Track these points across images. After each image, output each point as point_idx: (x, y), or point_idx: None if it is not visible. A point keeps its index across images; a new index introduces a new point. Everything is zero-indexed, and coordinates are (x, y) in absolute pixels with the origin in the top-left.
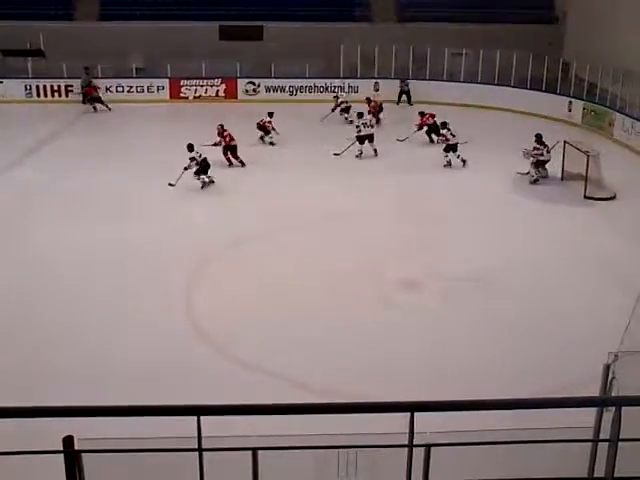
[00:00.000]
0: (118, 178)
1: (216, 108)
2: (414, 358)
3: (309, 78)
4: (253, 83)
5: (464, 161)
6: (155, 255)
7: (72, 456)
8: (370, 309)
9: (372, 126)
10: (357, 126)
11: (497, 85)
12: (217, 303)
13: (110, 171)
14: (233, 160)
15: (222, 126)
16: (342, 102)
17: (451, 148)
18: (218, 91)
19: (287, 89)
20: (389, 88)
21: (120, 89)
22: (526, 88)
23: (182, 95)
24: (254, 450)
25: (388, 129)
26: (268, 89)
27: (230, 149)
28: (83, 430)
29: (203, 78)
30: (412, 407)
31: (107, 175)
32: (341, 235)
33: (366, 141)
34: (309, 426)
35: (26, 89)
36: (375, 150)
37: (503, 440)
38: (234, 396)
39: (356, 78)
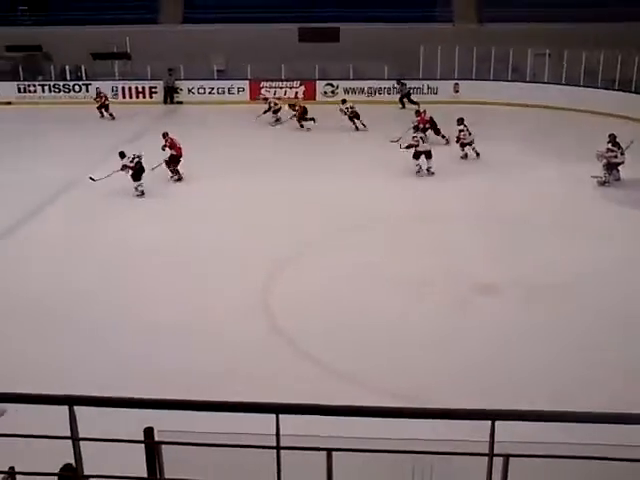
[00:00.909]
0: (194, 177)
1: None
2: (490, 364)
3: (387, 79)
4: (332, 85)
5: (478, 154)
6: (230, 255)
7: (152, 447)
8: (445, 312)
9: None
10: (414, 137)
11: (583, 87)
12: (293, 304)
13: (188, 170)
14: (172, 172)
15: (166, 134)
16: (274, 104)
17: (467, 144)
18: (297, 93)
19: (365, 90)
20: (468, 90)
21: (202, 90)
22: (614, 89)
23: (261, 97)
24: (329, 451)
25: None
26: (346, 90)
27: (176, 160)
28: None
29: (282, 80)
30: (494, 415)
31: (186, 174)
32: (415, 238)
33: (422, 156)
34: (384, 430)
35: (112, 90)
36: (429, 169)
37: (585, 455)
38: (310, 396)
39: (436, 79)
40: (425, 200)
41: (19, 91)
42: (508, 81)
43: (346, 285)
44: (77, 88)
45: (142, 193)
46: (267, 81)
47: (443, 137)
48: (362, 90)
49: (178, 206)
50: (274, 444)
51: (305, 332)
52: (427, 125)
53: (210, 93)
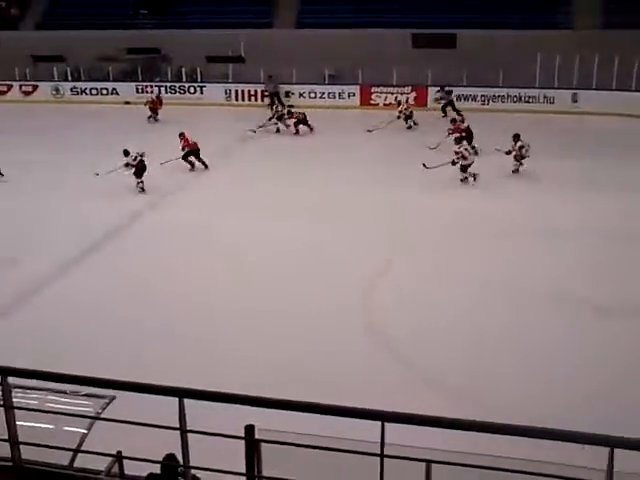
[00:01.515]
0: (304, 180)
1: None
2: (605, 387)
3: (502, 87)
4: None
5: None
6: (334, 254)
7: (252, 444)
8: (554, 329)
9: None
10: (457, 152)
11: None
12: (396, 307)
13: (297, 173)
14: (197, 163)
15: (183, 134)
16: (279, 111)
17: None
18: (408, 99)
19: (479, 98)
20: (588, 100)
21: (312, 95)
22: None
23: (372, 102)
24: (428, 462)
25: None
26: (459, 97)
27: (193, 153)
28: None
29: (394, 85)
30: (613, 442)
31: (294, 176)
32: (519, 251)
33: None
34: (487, 446)
35: (226, 93)
36: (466, 178)
37: None
38: (411, 406)
39: (553, 88)
40: (525, 216)
41: (137, 91)
42: (632, 91)
43: (445, 294)
44: (192, 90)
45: (142, 189)
46: (378, 86)
47: (473, 148)
48: (475, 97)
49: (277, 204)
50: (372, 451)
51: (408, 338)
52: (463, 134)
53: (321, 98)
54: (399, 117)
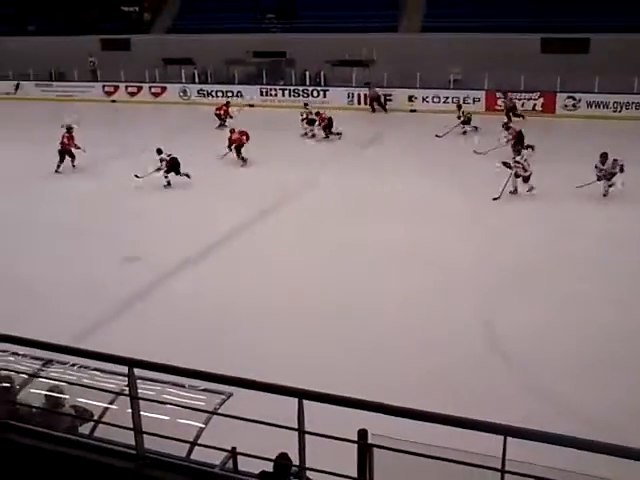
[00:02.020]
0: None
1: (531, 122)
2: None
3: (637, 94)
4: (573, 98)
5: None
6: (439, 259)
7: (364, 448)
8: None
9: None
10: (518, 162)
11: None
12: (514, 319)
13: (401, 176)
14: (236, 156)
15: (233, 130)
16: (307, 114)
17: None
18: (535, 105)
19: (611, 105)
20: None
21: (436, 100)
22: None
23: (498, 108)
24: None
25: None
26: (589, 104)
27: (241, 146)
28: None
29: (521, 91)
30: None
31: (402, 179)
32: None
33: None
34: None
35: (348, 97)
36: (516, 189)
37: None
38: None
39: None
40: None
41: (261, 94)
42: None
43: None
44: (315, 93)
45: (169, 183)
46: (504, 92)
47: (527, 148)
48: (607, 105)
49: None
50: (488, 464)
51: (529, 360)
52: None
53: (445, 102)
54: (460, 119)
